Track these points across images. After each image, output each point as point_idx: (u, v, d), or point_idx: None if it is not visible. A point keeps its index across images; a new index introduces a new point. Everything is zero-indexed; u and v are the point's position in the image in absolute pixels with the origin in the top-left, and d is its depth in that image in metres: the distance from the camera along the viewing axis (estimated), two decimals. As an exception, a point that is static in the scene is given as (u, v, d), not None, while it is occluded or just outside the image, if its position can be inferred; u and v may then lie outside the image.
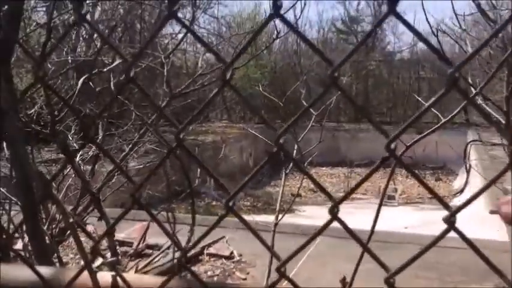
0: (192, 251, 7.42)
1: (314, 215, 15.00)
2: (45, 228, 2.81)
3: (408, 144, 2.35)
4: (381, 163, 0.81)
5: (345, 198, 0.82)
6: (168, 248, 4.46)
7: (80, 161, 3.21)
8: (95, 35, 18.73)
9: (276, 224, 2.43)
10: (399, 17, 0.72)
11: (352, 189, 0.84)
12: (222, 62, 0.77)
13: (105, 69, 3.26)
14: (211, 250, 8.13)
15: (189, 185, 2.15)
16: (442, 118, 2.50)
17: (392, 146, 0.80)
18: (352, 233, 0.81)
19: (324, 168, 23.40)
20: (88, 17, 17.22)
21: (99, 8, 20.00)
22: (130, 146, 3.17)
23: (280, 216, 2.39)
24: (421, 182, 0.83)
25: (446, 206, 0.80)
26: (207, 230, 0.91)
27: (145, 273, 5.51)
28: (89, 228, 6.41)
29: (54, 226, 3.38)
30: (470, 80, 2.88)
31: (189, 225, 5.36)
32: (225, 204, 0.85)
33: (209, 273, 7.60)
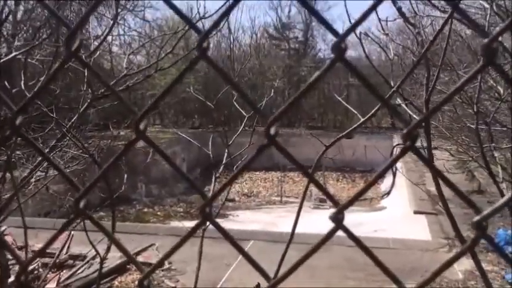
0: (119, 261, 7.17)
1: (247, 219, 15.05)
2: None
3: (327, 146, 2.39)
4: (260, 151, 0.72)
5: (215, 197, 0.74)
6: (93, 258, 4.23)
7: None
8: (19, 35, 17.75)
9: (204, 230, 2.36)
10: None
11: (216, 192, 0.75)
12: (197, 31, 0.67)
13: None
14: (140, 258, 7.89)
15: (110, 191, 2.03)
16: (370, 123, 2.56)
17: (272, 131, 0.68)
18: (226, 235, 0.73)
19: (257, 173, 23.54)
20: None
21: (22, 8, 18.97)
22: (47, 150, 2.96)
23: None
24: (311, 178, 0.79)
25: (335, 203, 0.71)
26: (175, 246, 0.76)
27: (66, 285, 5.21)
28: (8, 238, 6.01)
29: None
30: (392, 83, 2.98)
31: (121, 233, 5.11)
32: (200, 210, 0.71)
33: (137, 282, 7.37)
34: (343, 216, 0.69)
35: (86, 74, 2.71)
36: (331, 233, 0.71)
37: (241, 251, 0.72)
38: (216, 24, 0.70)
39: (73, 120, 2.29)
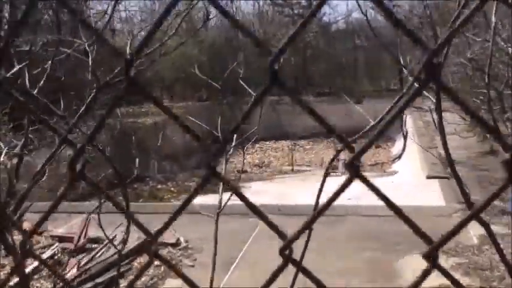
0: (137, 242, 7.26)
1: (260, 190, 15.10)
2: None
3: (348, 142, 2.33)
4: (345, 186, 0.66)
5: (297, 237, 0.68)
6: (112, 240, 4.28)
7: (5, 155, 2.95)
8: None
9: (218, 213, 2.37)
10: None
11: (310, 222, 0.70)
12: (266, 51, 0.57)
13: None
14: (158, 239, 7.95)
15: (120, 177, 2.02)
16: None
17: (357, 162, 0.63)
18: (316, 281, 0.71)
19: (267, 142, 23.55)
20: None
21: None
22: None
23: (225, 199, 2.31)
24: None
25: (427, 241, 0.65)
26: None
27: (87, 270, 5.29)
28: (25, 225, 6.08)
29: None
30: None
31: (137, 213, 5.11)
32: (280, 251, 0.68)
33: (156, 263, 7.44)
34: (437, 256, 0.64)
35: (90, 62, 2.67)
36: (425, 274, 0.64)
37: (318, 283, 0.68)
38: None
39: (80, 112, 2.26)
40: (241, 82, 3.43)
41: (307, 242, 1.83)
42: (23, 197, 2.29)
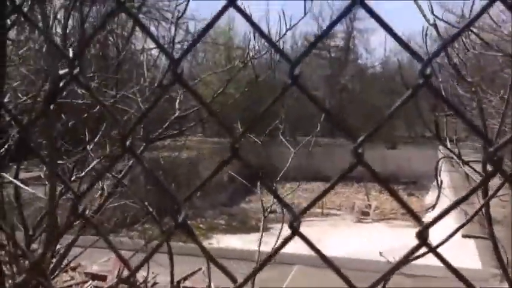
0: (169, 285, 7.09)
1: (284, 234, 14.73)
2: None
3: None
4: (349, 170, 0.73)
5: (306, 210, 0.76)
6: (144, 282, 4.16)
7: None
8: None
9: (262, 265, 2.33)
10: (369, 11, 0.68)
11: (315, 201, 0.77)
12: (287, 59, 0.76)
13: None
14: (187, 283, 7.70)
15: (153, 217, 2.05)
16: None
17: (360, 150, 0.72)
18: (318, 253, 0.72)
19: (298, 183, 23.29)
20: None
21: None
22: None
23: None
24: (395, 195, 0.77)
25: (418, 221, 0.75)
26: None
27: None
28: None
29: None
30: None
31: (165, 253, 5.03)
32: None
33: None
34: (428, 234, 0.76)
35: (142, 107, 2.76)
36: (415, 249, 0.75)
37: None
38: (306, 53, 0.75)
39: (131, 165, 2.32)
40: (282, 139, 3.49)
41: None
42: (72, 242, 2.33)
